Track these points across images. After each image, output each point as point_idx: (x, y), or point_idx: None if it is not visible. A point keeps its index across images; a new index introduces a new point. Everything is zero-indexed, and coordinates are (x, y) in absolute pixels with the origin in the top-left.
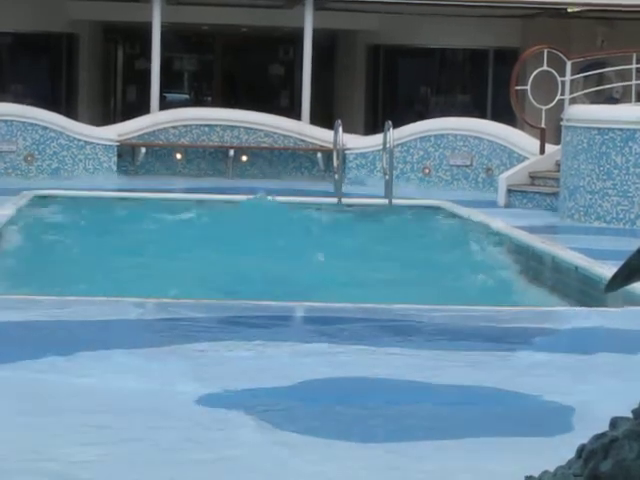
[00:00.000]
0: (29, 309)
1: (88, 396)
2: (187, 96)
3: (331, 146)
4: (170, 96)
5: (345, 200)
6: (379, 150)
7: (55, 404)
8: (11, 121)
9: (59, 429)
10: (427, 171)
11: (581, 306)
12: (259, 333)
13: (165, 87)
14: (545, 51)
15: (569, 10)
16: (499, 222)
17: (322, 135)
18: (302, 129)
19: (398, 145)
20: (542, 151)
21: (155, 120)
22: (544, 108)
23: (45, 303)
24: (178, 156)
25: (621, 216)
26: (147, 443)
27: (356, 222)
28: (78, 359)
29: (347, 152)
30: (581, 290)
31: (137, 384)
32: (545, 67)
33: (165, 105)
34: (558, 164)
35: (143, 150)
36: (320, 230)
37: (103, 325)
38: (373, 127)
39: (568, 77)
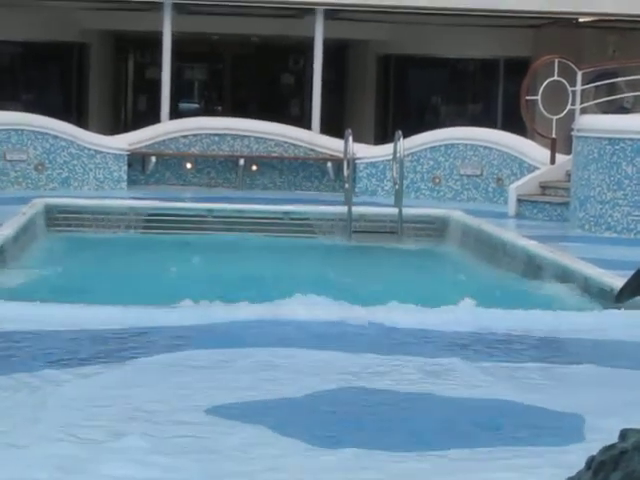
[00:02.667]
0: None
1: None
2: (197, 105)
3: (341, 155)
4: (182, 105)
5: (355, 209)
6: (389, 160)
7: None
8: (22, 130)
9: None
10: (437, 181)
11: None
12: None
13: (176, 96)
14: (556, 61)
15: (580, 20)
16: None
17: (332, 144)
18: (312, 138)
19: (408, 155)
20: (553, 161)
21: (165, 129)
22: (555, 118)
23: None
24: (188, 165)
25: (632, 226)
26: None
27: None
28: None
29: (357, 162)
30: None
31: None
32: (556, 77)
33: (177, 114)
34: (569, 174)
35: (153, 159)
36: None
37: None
38: (383, 137)
39: (579, 87)
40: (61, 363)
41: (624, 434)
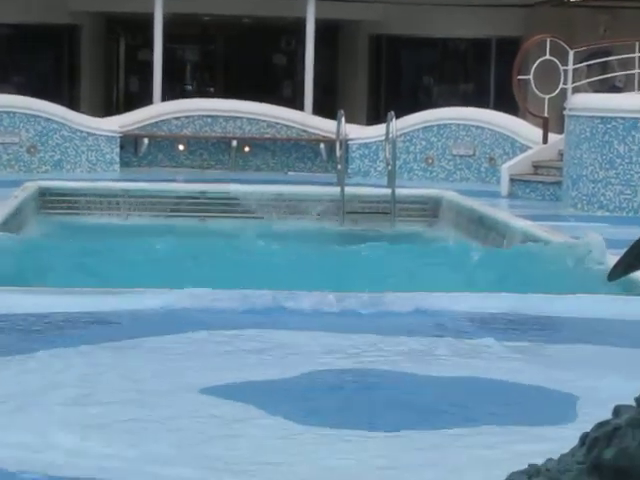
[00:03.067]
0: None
1: None
2: (190, 87)
3: (334, 136)
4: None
5: (348, 190)
6: (382, 140)
7: None
8: (14, 113)
9: None
10: (430, 161)
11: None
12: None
13: (167, 78)
14: (548, 40)
15: None
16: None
17: (325, 125)
18: (305, 119)
19: (401, 135)
20: (545, 140)
21: (157, 111)
22: (547, 97)
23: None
24: (181, 147)
25: (624, 205)
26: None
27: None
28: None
29: (350, 142)
30: None
31: None
32: (548, 56)
33: (170, 96)
34: (561, 153)
35: (146, 141)
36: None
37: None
38: (376, 117)
39: (571, 66)
40: None
41: (618, 410)
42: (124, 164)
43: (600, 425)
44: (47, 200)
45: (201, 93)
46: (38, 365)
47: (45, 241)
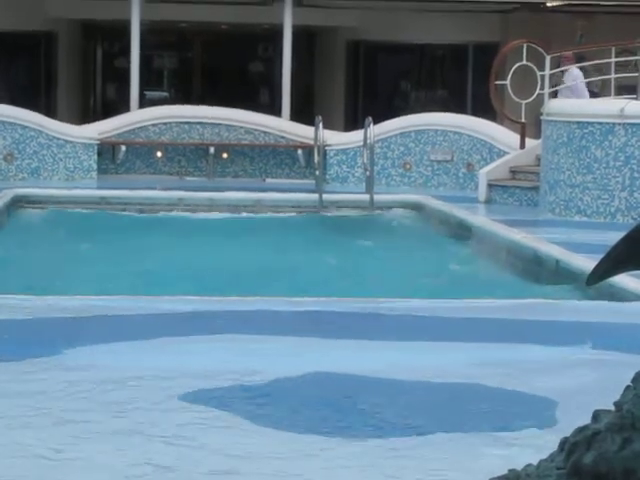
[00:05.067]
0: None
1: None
2: (167, 94)
3: (312, 142)
4: (150, 94)
5: (326, 197)
6: (360, 146)
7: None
8: None
9: None
10: (408, 167)
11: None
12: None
13: (145, 85)
14: (524, 45)
15: (548, 4)
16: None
17: (303, 132)
18: (282, 126)
19: (379, 141)
20: (522, 145)
21: (135, 118)
22: (524, 102)
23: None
24: (158, 154)
25: (601, 210)
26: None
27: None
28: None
29: (328, 148)
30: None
31: None
32: (524, 62)
33: (145, 103)
34: (539, 158)
35: (123, 148)
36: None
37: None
38: (353, 123)
39: (547, 71)
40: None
41: (597, 415)
42: (102, 171)
43: (579, 430)
44: (23, 208)
45: (178, 100)
46: None
47: None
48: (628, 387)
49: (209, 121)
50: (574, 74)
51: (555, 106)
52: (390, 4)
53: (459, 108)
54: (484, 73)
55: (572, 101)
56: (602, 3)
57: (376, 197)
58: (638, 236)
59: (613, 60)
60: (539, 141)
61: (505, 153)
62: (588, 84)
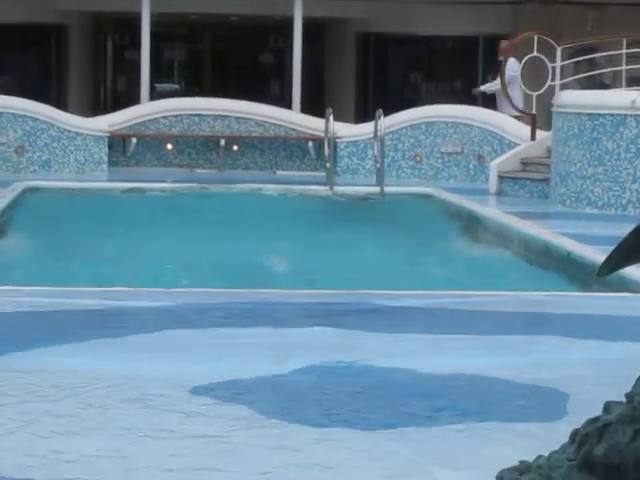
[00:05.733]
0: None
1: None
2: (177, 86)
3: (322, 135)
4: (160, 86)
5: (337, 189)
6: (370, 138)
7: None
8: (1, 113)
9: None
10: (418, 159)
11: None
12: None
13: (155, 77)
14: (535, 37)
15: None
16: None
17: (313, 124)
18: (293, 118)
19: (389, 133)
20: (533, 137)
21: (145, 110)
22: (535, 94)
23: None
24: (169, 146)
25: (612, 201)
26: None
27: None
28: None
29: (338, 141)
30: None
31: None
32: (535, 53)
33: (155, 95)
34: (549, 150)
35: (134, 141)
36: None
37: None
38: (364, 115)
39: (559, 63)
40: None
41: (608, 407)
42: (112, 164)
43: (590, 421)
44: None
45: (189, 92)
46: None
47: None
48: (639, 379)
49: (219, 113)
50: (512, 66)
51: (566, 98)
52: None
53: (470, 100)
54: (494, 65)
55: (583, 93)
56: None
57: (386, 189)
58: None
59: (624, 52)
60: (550, 133)
61: (516, 145)
62: (599, 75)
